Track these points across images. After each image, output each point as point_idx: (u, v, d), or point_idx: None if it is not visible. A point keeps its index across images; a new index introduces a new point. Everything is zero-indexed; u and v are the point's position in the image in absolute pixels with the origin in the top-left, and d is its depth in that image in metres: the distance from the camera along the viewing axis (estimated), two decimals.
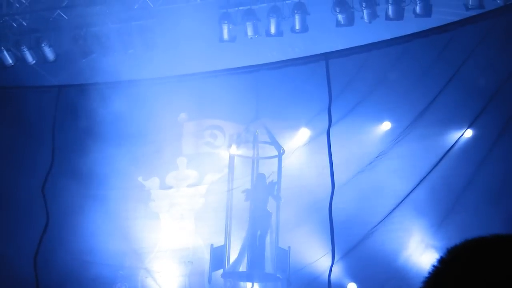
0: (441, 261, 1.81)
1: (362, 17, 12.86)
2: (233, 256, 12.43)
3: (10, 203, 12.99)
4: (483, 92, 11.23)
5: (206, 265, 12.54)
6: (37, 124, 12.66)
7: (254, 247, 12.24)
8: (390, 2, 12.57)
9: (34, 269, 11.14)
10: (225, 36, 13.44)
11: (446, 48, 11.33)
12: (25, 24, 14.06)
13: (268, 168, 12.87)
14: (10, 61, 14.00)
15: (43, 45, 13.82)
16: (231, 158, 13.06)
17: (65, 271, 12.40)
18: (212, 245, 12.39)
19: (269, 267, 12.19)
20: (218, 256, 12.33)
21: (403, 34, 11.45)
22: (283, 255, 12.11)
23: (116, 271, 13.00)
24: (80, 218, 12.92)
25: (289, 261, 12.02)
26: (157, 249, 13.38)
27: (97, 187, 13.05)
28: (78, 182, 12.89)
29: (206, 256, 12.47)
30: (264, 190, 12.54)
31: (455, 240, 1.93)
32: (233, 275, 12.49)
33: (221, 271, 12.38)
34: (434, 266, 1.83)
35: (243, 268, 12.34)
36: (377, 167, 11.89)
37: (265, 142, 12.94)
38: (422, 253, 11.94)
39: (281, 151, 12.81)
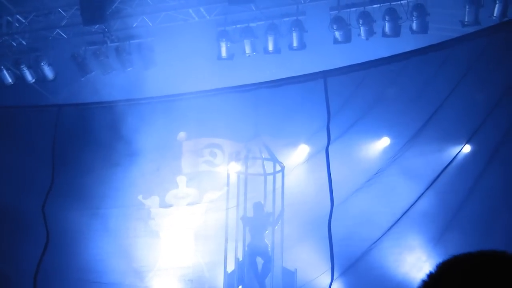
0: (430, 276, 1.89)
1: (359, 34, 12.93)
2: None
3: (10, 222, 12.99)
4: (481, 108, 11.29)
5: (206, 284, 12.55)
6: (37, 143, 12.69)
7: (249, 268, 12.22)
8: (386, 19, 12.65)
9: None
10: (223, 53, 13.51)
11: (444, 65, 11.39)
12: (25, 43, 14.13)
13: (268, 185, 12.89)
14: (10, 80, 14.07)
15: (42, 64, 13.89)
16: (230, 176, 13.08)
17: None
18: (226, 271, 12.37)
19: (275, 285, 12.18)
20: (231, 280, 12.29)
21: (400, 50, 11.51)
22: (290, 276, 12.11)
23: None
24: (80, 236, 12.94)
25: (296, 283, 12.01)
26: (157, 267, 13.38)
27: (97, 206, 13.08)
28: (78, 201, 12.92)
29: (206, 274, 12.49)
30: (260, 219, 12.54)
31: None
32: None
33: None
34: (423, 280, 1.91)
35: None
36: (376, 184, 11.93)
37: (265, 159, 12.97)
38: (420, 269, 11.96)
39: (281, 166, 12.83)
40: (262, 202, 12.78)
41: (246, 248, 12.36)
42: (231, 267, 12.39)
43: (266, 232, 12.50)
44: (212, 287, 12.71)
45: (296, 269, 12.15)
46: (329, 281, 10.72)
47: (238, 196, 12.63)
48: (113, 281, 12.93)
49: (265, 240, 12.49)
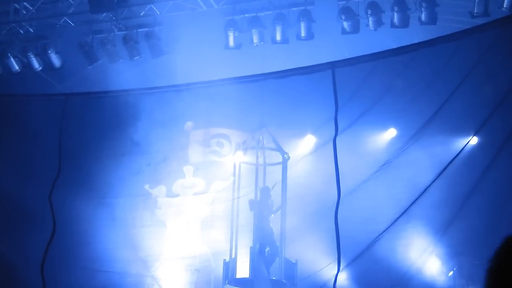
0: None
1: (367, 25, 12.87)
2: (241, 265, 12.41)
3: (17, 211, 13.03)
4: (489, 100, 11.25)
5: (213, 273, 12.60)
6: (44, 132, 12.67)
7: (258, 256, 12.24)
8: (395, 9, 12.58)
9: (42, 277, 11.13)
10: (231, 43, 13.46)
11: (453, 57, 11.34)
12: (32, 31, 14.11)
13: (274, 176, 12.87)
14: (17, 68, 14.05)
15: (49, 51, 13.86)
16: (237, 166, 13.06)
17: (72, 279, 12.45)
18: (224, 260, 12.40)
19: (276, 275, 12.20)
20: (229, 269, 12.34)
21: (408, 41, 11.47)
22: (291, 267, 12.13)
23: (123, 279, 13.03)
24: (87, 226, 12.97)
25: (296, 274, 12.03)
26: (164, 257, 13.42)
27: (104, 195, 13.10)
28: (85, 190, 12.95)
29: (213, 264, 12.51)
30: (267, 204, 12.55)
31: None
32: (237, 282, 12.52)
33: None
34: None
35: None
36: (383, 175, 11.92)
37: (270, 149, 12.95)
38: (426, 261, 11.99)
39: (286, 157, 12.82)
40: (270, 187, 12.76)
41: (253, 234, 12.38)
42: (238, 257, 12.43)
43: (272, 216, 12.49)
44: (218, 276, 12.72)
45: (297, 260, 12.16)
46: (335, 272, 10.71)
47: (237, 186, 12.59)
48: (119, 270, 12.97)
49: (270, 225, 12.49)
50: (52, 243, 11.33)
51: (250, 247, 12.21)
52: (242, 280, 12.40)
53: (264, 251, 12.27)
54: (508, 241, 1.87)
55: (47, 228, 11.46)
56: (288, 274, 12.13)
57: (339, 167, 10.72)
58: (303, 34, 13.15)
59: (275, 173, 12.96)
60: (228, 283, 12.46)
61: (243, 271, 12.28)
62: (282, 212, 12.51)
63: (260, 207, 12.50)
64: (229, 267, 12.32)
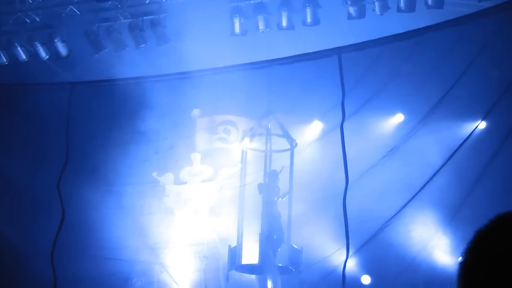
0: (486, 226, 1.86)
1: (373, 9, 12.79)
2: (248, 251, 12.43)
3: (26, 199, 13.09)
4: (496, 85, 11.23)
5: (221, 261, 12.61)
6: (51, 121, 12.73)
7: (266, 242, 12.26)
8: None
9: (51, 265, 11.20)
10: (237, 29, 13.40)
11: (459, 41, 11.31)
12: (38, 20, 14.08)
13: (282, 162, 12.88)
14: (24, 57, 14.03)
15: (56, 40, 13.84)
16: (244, 153, 13.08)
17: (81, 266, 12.51)
18: (229, 245, 12.44)
19: (282, 262, 12.22)
20: (235, 255, 12.37)
21: (414, 26, 11.43)
22: (296, 254, 12.15)
23: (132, 266, 13.09)
24: (95, 214, 13.02)
25: (301, 261, 12.04)
26: (172, 244, 13.44)
27: (111, 183, 13.14)
28: (93, 178, 12.98)
29: (221, 251, 12.53)
30: (275, 187, 12.56)
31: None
32: (245, 268, 12.55)
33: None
34: (477, 231, 1.87)
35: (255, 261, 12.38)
36: (391, 160, 11.92)
37: (278, 135, 12.95)
38: (435, 246, 11.99)
39: (294, 144, 12.83)
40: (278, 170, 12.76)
41: (261, 219, 12.39)
42: (244, 244, 12.45)
43: (279, 200, 12.49)
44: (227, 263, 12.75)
45: (302, 247, 12.17)
46: (344, 258, 10.74)
47: (246, 172, 12.62)
48: (128, 258, 13.03)
49: (278, 208, 12.50)
50: (61, 232, 11.40)
51: (260, 233, 12.24)
52: (251, 266, 12.43)
53: (272, 237, 12.29)
54: (480, 234, 1.87)
55: (56, 216, 11.54)
56: (294, 261, 12.16)
57: (346, 153, 10.74)
58: (309, 19, 13.08)
59: (280, 160, 12.96)
60: (235, 269, 12.49)
61: (248, 257, 12.30)
62: (289, 199, 12.52)
63: (269, 190, 12.51)
64: (235, 253, 12.35)
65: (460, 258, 1.87)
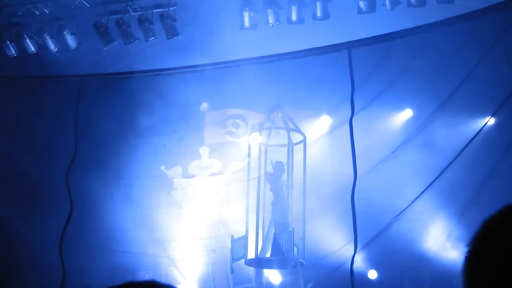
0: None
1: (384, 4, 12.72)
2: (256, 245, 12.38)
3: (35, 191, 13.12)
4: (507, 81, 11.16)
5: (229, 254, 12.57)
6: (60, 113, 12.75)
7: (275, 235, 12.23)
8: None
9: (60, 257, 11.22)
10: (246, 23, 13.36)
11: (470, 37, 11.26)
12: (47, 12, 14.05)
13: (286, 158, 12.83)
14: (33, 49, 14.02)
15: (65, 33, 13.81)
16: (252, 147, 13.03)
17: (90, 258, 12.55)
18: (232, 236, 12.41)
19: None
20: (239, 246, 12.33)
21: (425, 21, 11.37)
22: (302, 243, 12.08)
23: (140, 259, 13.11)
24: (104, 206, 13.05)
25: (293, 242, 11.84)
26: (180, 237, 13.45)
27: (120, 176, 13.16)
28: (101, 171, 13.01)
29: (229, 244, 12.47)
30: (281, 178, 12.53)
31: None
32: (255, 262, 12.51)
33: (243, 261, 12.35)
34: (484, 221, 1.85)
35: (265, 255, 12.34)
36: (400, 156, 11.88)
37: (286, 129, 12.91)
38: (444, 242, 11.95)
39: (304, 137, 12.78)
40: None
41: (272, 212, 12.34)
42: (252, 238, 12.42)
43: (284, 189, 12.45)
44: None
45: (293, 228, 12.01)
46: (352, 253, 10.71)
47: (259, 167, 12.58)
48: (136, 251, 13.05)
49: (285, 198, 12.46)
50: (70, 224, 11.42)
51: (269, 226, 12.21)
52: (263, 260, 12.33)
53: (281, 229, 12.26)
54: (488, 225, 1.84)
55: (65, 208, 11.55)
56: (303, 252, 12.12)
57: (355, 148, 10.71)
58: (319, 14, 13.03)
59: (284, 157, 12.87)
60: (246, 263, 12.44)
61: (253, 250, 12.24)
62: (303, 192, 12.38)
63: (275, 180, 12.48)
64: (238, 244, 12.29)
65: (466, 249, 1.83)
